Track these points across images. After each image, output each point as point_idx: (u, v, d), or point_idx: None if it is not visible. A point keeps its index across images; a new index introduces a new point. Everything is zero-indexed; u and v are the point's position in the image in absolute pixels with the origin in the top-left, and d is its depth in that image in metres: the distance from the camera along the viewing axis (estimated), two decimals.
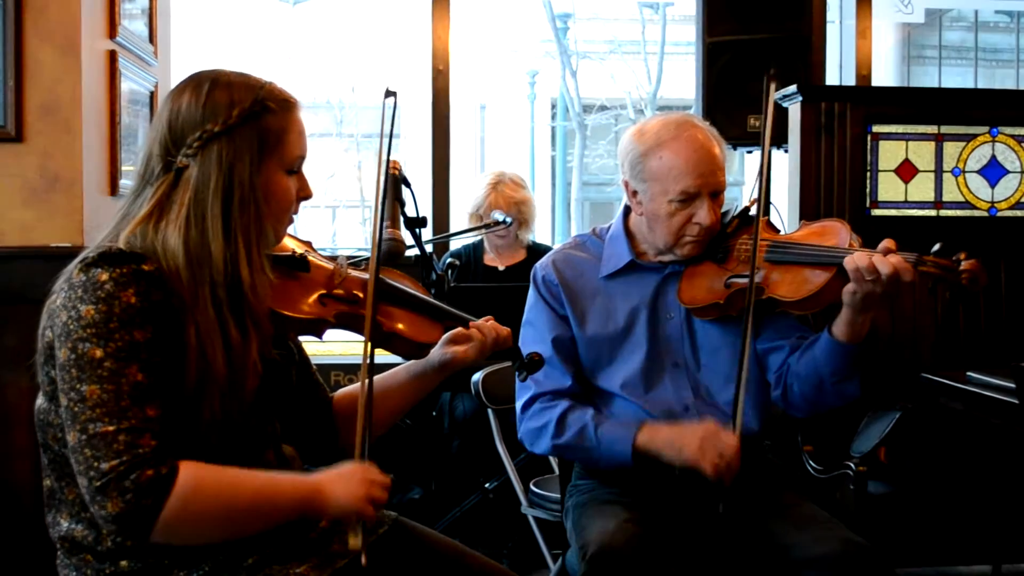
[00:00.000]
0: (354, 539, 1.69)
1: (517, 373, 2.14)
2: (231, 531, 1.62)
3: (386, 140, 1.83)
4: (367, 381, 1.78)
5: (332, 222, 13.00)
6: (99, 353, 1.53)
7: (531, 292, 2.49)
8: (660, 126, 2.34)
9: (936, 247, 2.16)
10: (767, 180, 4.44)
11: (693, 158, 2.29)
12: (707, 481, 2.14)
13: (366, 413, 1.78)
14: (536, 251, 4.21)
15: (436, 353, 1.99)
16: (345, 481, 1.68)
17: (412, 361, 2.03)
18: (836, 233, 2.28)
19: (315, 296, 1.86)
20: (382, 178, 1.81)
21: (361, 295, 1.89)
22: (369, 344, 1.79)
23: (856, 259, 2.11)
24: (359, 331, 1.87)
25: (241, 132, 1.68)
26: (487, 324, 2.01)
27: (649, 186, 2.34)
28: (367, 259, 1.93)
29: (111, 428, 1.50)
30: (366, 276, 1.89)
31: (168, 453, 1.53)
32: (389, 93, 1.85)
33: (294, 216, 1.80)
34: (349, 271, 1.93)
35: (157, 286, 1.59)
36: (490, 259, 4.31)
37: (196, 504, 1.53)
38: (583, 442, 2.30)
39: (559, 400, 2.35)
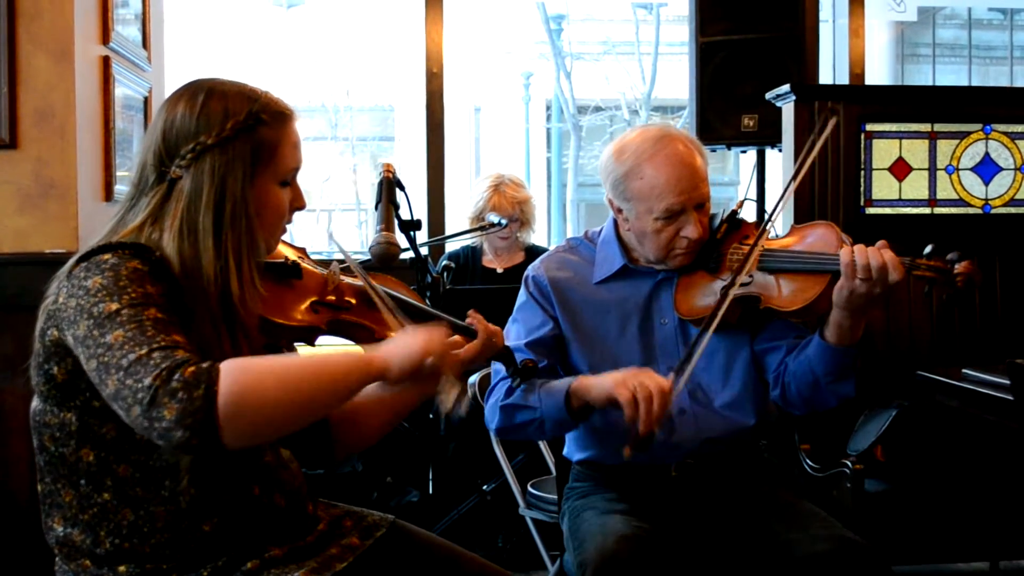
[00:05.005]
0: (444, 400, 1.69)
1: (511, 379, 2.14)
2: (296, 403, 1.54)
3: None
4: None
5: (328, 226, 13.01)
6: (115, 305, 1.51)
7: (522, 292, 2.49)
8: (639, 143, 2.33)
9: (928, 248, 2.15)
10: (761, 183, 4.45)
11: (674, 175, 2.28)
12: (646, 436, 2.07)
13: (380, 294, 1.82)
14: (534, 253, 4.21)
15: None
16: (400, 336, 1.67)
17: None
18: (826, 237, 2.28)
19: (307, 303, 1.86)
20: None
21: (354, 302, 1.89)
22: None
23: (851, 252, 2.11)
24: (351, 338, 1.88)
25: (235, 145, 1.67)
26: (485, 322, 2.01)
27: (633, 205, 2.34)
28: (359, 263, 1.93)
29: (143, 352, 1.46)
30: (359, 283, 1.89)
31: (205, 359, 1.48)
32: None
33: (286, 226, 1.80)
34: (342, 278, 1.93)
35: (160, 268, 1.60)
36: (488, 261, 4.31)
37: (249, 381, 1.46)
38: (526, 401, 2.27)
39: None
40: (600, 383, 2.16)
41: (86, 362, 1.52)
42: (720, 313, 2.19)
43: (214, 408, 1.42)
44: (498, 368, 2.34)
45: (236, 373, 1.46)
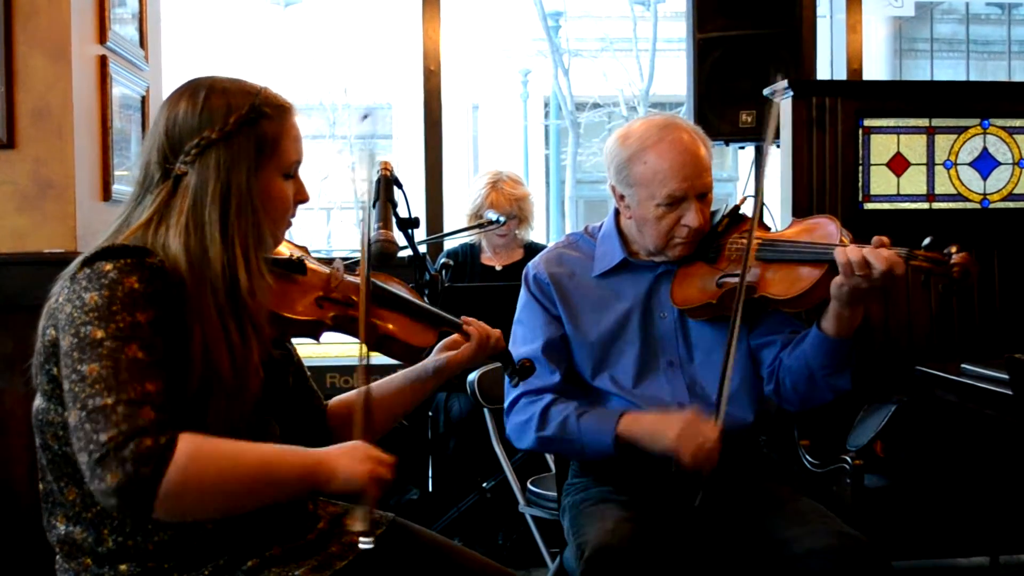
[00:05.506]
0: (358, 522, 1.67)
1: (509, 378, 2.14)
2: (235, 502, 1.59)
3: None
4: (364, 366, 1.80)
5: (327, 223, 13.01)
6: (100, 334, 1.52)
7: (523, 291, 2.49)
8: (644, 129, 2.34)
9: (927, 241, 2.16)
10: (759, 180, 4.45)
11: (678, 161, 2.29)
12: (693, 475, 2.13)
13: (366, 392, 1.79)
14: (533, 250, 4.21)
15: (431, 359, 2.01)
16: (349, 456, 1.65)
17: (408, 368, 2.04)
18: (826, 229, 2.28)
19: (312, 299, 1.87)
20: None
21: (356, 298, 1.90)
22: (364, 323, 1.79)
23: (847, 252, 2.11)
24: (355, 334, 1.89)
25: (238, 139, 1.69)
26: (480, 324, 2.03)
27: (636, 191, 2.34)
28: (353, 261, 1.94)
29: (109, 401, 1.48)
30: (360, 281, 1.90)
31: (168, 425, 1.50)
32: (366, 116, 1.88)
33: (291, 220, 1.81)
34: (345, 275, 1.94)
35: (160, 277, 1.60)
36: (487, 258, 4.31)
37: (196, 473, 1.50)
38: (566, 433, 2.30)
39: (544, 394, 2.36)
40: (654, 435, 2.19)
41: (62, 377, 1.55)
42: (738, 319, 2.18)
43: (156, 488, 1.46)
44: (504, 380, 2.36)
45: (188, 460, 1.48)
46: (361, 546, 1.69)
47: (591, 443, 2.28)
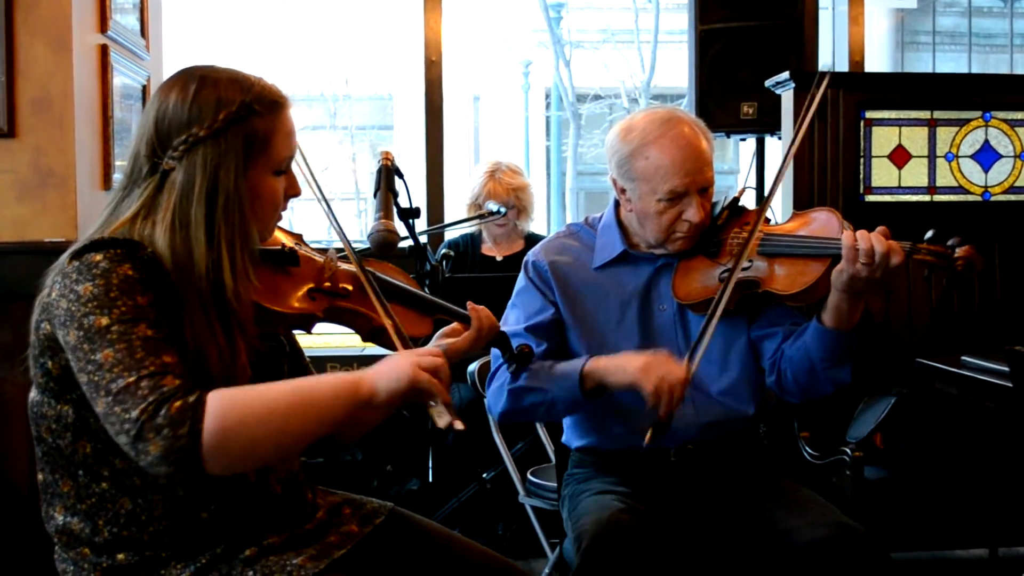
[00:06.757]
0: (440, 417, 1.63)
1: (507, 365, 2.13)
2: (282, 437, 1.56)
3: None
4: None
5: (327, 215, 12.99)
6: (105, 321, 1.51)
7: (521, 277, 2.49)
8: (646, 123, 2.33)
9: (929, 234, 2.15)
10: (760, 171, 4.45)
11: (680, 156, 2.28)
12: (651, 413, 2.10)
13: (383, 306, 1.80)
14: (534, 241, 4.19)
15: (430, 345, 2.00)
16: (388, 363, 1.64)
17: None
18: (828, 223, 2.27)
19: (304, 291, 1.86)
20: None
21: (351, 288, 1.89)
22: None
23: (853, 236, 2.11)
24: (348, 325, 1.88)
25: (227, 136, 1.66)
26: (482, 309, 2.02)
27: (637, 185, 2.34)
28: (357, 251, 1.93)
29: (132, 379, 1.47)
30: (355, 269, 1.89)
31: (193, 387, 1.50)
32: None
33: (282, 213, 1.80)
34: (339, 265, 1.92)
35: (152, 268, 1.59)
36: (488, 249, 4.31)
37: (234, 420, 1.49)
38: (536, 382, 2.28)
39: None
40: (619, 368, 2.18)
41: (77, 373, 1.54)
42: (727, 295, 2.18)
43: (199, 445, 1.46)
44: (497, 353, 2.34)
45: (222, 408, 1.48)
46: (457, 427, 1.62)
47: (560, 387, 2.26)
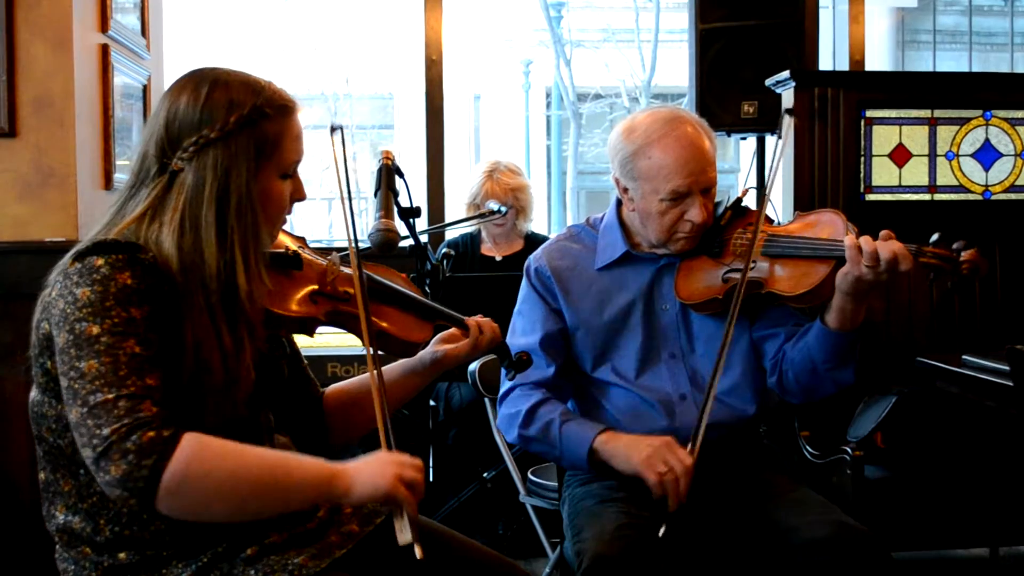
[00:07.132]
0: (401, 533, 1.62)
1: (505, 371, 2.13)
2: (240, 505, 1.56)
3: (342, 174, 1.83)
4: (375, 372, 1.80)
5: (328, 214, 12.99)
6: (96, 330, 1.52)
7: (524, 284, 2.49)
8: (649, 123, 2.32)
9: (935, 237, 2.14)
10: (761, 171, 4.45)
11: (683, 156, 2.27)
12: (659, 503, 2.12)
13: (382, 403, 1.78)
14: (533, 241, 4.21)
15: (428, 351, 2.01)
16: (370, 464, 1.63)
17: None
18: (832, 224, 2.27)
19: (307, 294, 1.86)
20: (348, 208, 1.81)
21: (352, 292, 1.89)
22: (370, 348, 1.79)
23: (857, 239, 2.10)
24: (349, 328, 1.88)
25: (238, 139, 1.66)
26: (483, 320, 2.03)
27: (639, 185, 2.33)
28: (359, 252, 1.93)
29: (111, 396, 1.48)
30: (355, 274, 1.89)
31: (170, 420, 1.50)
32: (334, 128, 1.86)
33: (286, 217, 1.80)
34: (341, 268, 1.92)
35: (153, 274, 1.59)
36: (487, 249, 4.31)
37: (200, 469, 1.49)
38: (547, 436, 2.31)
39: (536, 390, 2.36)
40: (624, 457, 2.19)
41: (59, 375, 1.55)
42: (737, 308, 2.18)
43: (158, 481, 1.46)
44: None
45: (192, 454, 1.48)
46: (416, 553, 1.61)
47: (568, 452, 2.28)
